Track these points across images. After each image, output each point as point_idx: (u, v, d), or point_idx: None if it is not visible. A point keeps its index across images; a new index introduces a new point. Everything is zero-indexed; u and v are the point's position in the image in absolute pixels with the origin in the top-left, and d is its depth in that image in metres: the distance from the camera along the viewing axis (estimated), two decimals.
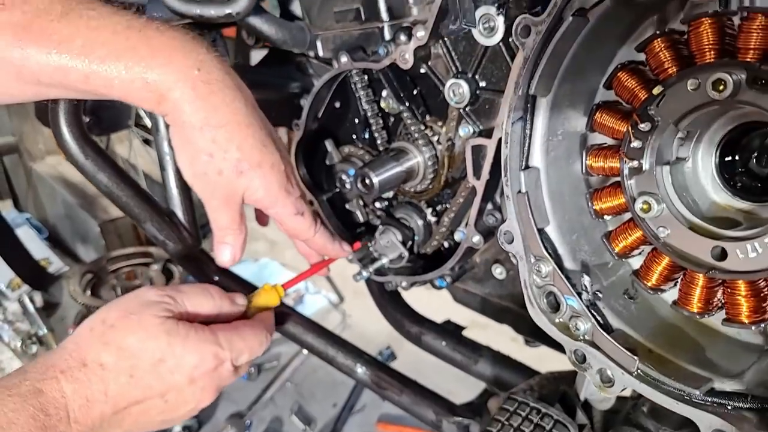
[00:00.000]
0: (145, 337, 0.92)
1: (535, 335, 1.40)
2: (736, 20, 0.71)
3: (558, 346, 0.89)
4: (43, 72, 0.91)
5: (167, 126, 1.12)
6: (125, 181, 1.39)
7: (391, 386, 1.38)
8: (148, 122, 2.36)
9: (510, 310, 1.37)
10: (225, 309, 1.07)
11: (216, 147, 1.00)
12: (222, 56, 1.01)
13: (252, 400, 3.05)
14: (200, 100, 0.96)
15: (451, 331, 1.55)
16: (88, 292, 3.36)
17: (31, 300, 3.59)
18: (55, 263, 3.84)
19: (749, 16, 0.68)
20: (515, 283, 1.35)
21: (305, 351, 3.11)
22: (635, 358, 0.77)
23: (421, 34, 1.11)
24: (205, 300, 1.05)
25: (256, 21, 1.35)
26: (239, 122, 1.00)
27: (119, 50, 0.92)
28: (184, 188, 1.45)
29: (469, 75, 1.13)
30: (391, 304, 1.59)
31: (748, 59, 0.68)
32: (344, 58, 1.26)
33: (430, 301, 1.83)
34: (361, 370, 1.41)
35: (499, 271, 1.30)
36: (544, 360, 1.43)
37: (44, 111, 2.38)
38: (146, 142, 3.12)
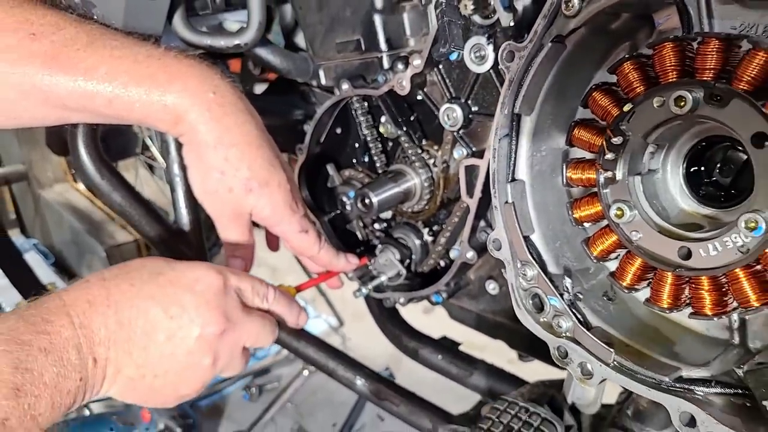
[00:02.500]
0: (146, 260, 0.97)
1: (527, 350, 1.44)
2: (695, 44, 0.79)
3: (550, 360, 0.95)
4: (69, 97, 0.98)
5: (180, 147, 1.19)
6: (137, 200, 1.46)
7: (389, 397, 1.43)
8: (155, 151, 2.45)
9: (504, 326, 1.40)
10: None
11: (228, 165, 1.06)
12: (235, 82, 1.09)
13: (253, 420, 3.06)
14: (214, 121, 1.03)
15: (447, 345, 1.60)
16: None
17: None
18: (61, 288, 3.84)
19: (705, 41, 0.76)
20: (508, 299, 1.41)
21: (305, 372, 3.16)
22: (611, 350, 0.84)
23: (417, 62, 1.19)
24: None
25: (262, 52, 1.43)
26: (250, 143, 1.07)
27: (140, 77, 0.99)
28: (193, 208, 1.52)
29: (463, 100, 1.19)
30: (390, 320, 1.64)
31: (705, 78, 0.76)
32: (345, 86, 1.33)
33: (428, 321, 1.89)
34: (360, 382, 1.46)
35: (492, 287, 1.34)
36: (535, 377, 1.47)
37: (54, 139, 2.47)
38: (151, 168, 3.21)
